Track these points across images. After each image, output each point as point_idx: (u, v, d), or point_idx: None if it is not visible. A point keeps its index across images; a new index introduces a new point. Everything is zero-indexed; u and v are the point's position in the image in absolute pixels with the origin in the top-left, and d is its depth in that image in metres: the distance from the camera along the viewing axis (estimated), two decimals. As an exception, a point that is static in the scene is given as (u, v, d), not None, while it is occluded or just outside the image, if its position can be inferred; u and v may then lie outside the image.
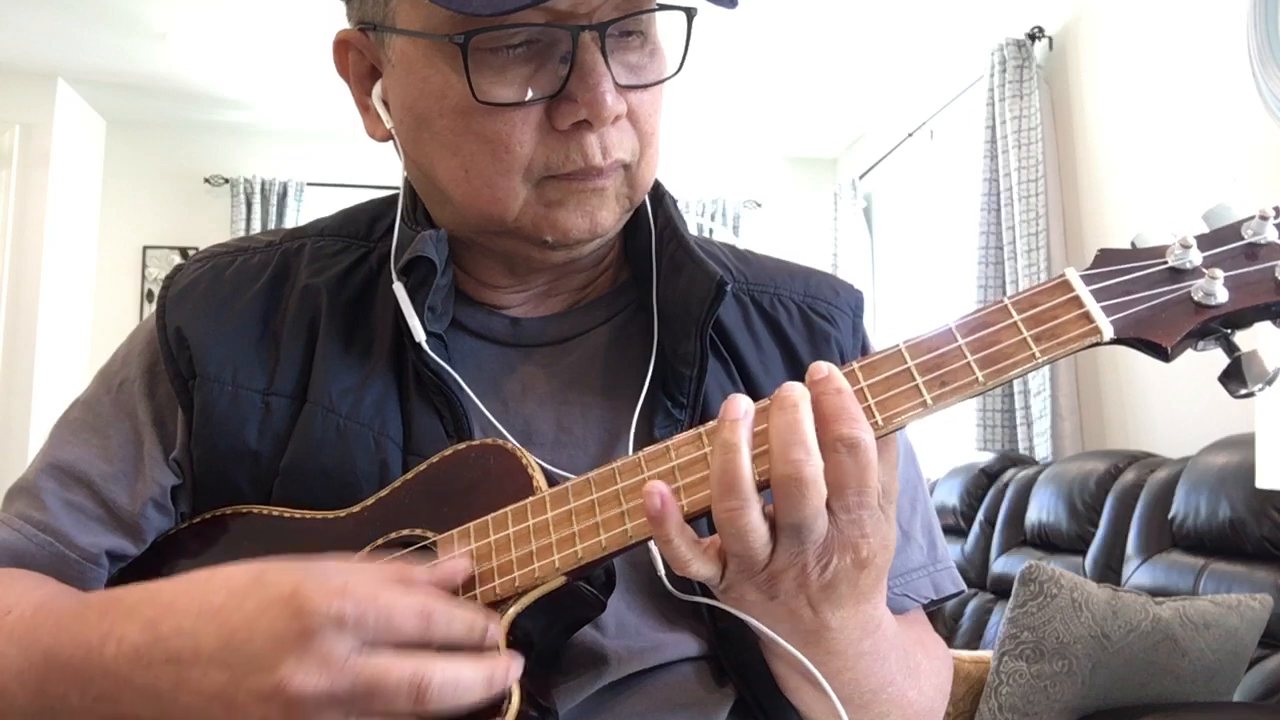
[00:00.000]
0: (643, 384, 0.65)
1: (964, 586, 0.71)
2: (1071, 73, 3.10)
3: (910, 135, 3.96)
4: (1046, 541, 2.55)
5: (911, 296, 4.19)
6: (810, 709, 0.57)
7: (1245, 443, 1.93)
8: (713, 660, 0.61)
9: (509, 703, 0.49)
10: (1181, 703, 1.61)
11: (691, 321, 0.64)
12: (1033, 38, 3.17)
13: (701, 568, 0.50)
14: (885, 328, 4.27)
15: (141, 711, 0.49)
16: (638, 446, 0.63)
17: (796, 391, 0.48)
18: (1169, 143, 2.64)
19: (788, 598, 0.51)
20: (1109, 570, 2.27)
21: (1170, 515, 2.13)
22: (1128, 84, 2.82)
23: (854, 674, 0.55)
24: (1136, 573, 2.17)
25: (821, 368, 0.49)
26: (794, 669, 0.55)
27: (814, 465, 0.47)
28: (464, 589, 0.53)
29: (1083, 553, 2.38)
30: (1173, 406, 2.57)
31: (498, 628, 0.50)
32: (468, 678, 0.47)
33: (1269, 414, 1.76)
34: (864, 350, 0.73)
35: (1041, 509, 2.56)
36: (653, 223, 0.70)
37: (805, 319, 0.71)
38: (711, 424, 0.52)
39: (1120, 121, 2.86)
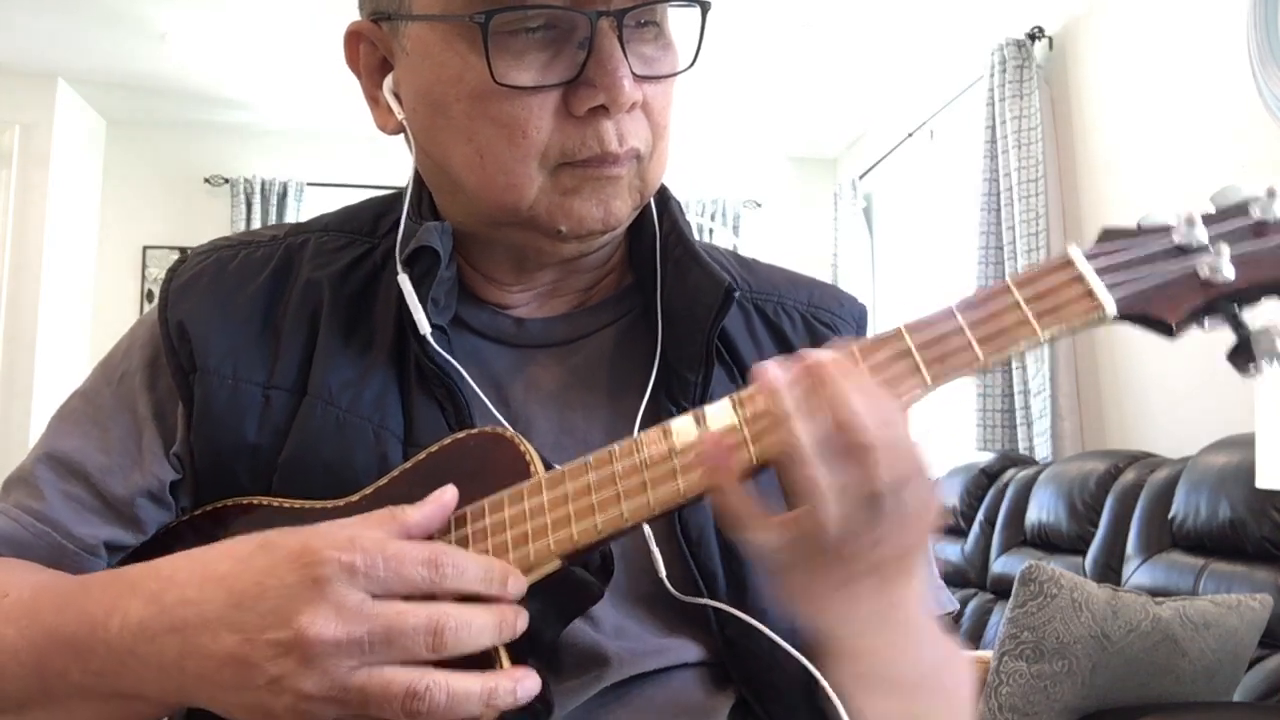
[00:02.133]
0: (647, 387, 0.65)
1: (956, 605, 0.71)
2: (1071, 73, 3.10)
3: (910, 135, 3.96)
4: (1046, 541, 2.55)
5: (911, 296, 4.19)
6: (877, 710, 0.55)
7: (1245, 443, 1.93)
8: (714, 666, 0.61)
9: (499, 667, 0.48)
10: (1181, 703, 1.61)
11: (698, 328, 0.64)
12: (1033, 38, 3.18)
13: (762, 530, 0.48)
14: (885, 327, 4.26)
15: (145, 685, 0.49)
16: None
17: (830, 366, 0.48)
18: (1169, 143, 2.64)
19: (857, 573, 0.49)
20: (1109, 570, 2.27)
21: (1170, 515, 2.13)
22: (1128, 84, 2.83)
23: (919, 650, 0.54)
24: (1136, 573, 2.17)
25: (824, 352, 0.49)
26: (872, 670, 0.53)
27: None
28: None
29: (1083, 553, 2.38)
30: (1173, 406, 2.57)
31: (519, 576, 0.50)
32: (480, 622, 0.47)
33: (1269, 414, 1.76)
34: None
35: (1041, 509, 2.56)
36: (658, 226, 0.70)
37: (809, 327, 0.71)
38: (709, 406, 0.52)
39: (1120, 121, 2.86)
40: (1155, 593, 1.85)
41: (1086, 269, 0.46)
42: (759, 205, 4.76)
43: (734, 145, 4.61)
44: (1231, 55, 2.36)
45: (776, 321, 0.70)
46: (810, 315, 0.71)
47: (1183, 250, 0.45)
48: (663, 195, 0.71)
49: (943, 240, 3.86)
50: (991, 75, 3.24)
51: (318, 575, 0.46)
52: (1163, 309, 0.44)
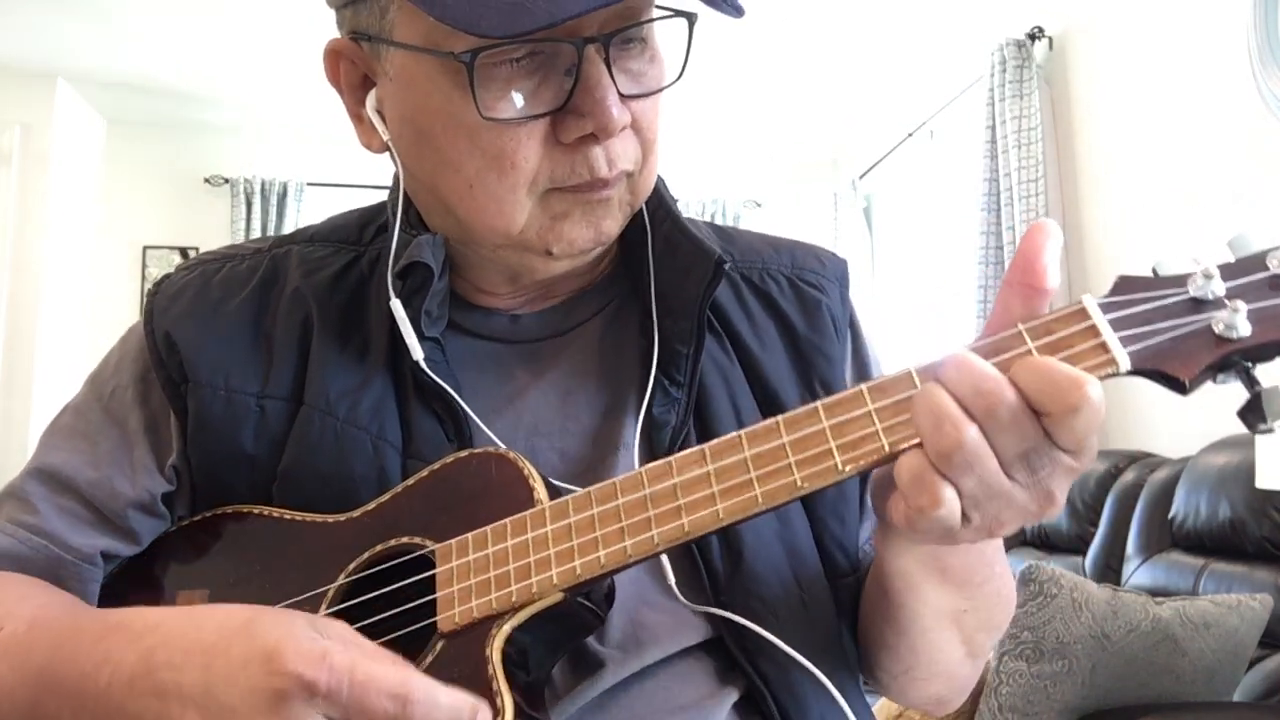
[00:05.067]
0: (640, 365, 0.65)
1: None
2: (1071, 73, 3.10)
3: (910, 135, 3.95)
4: (1046, 541, 2.56)
5: (911, 296, 4.19)
6: (929, 601, 0.58)
7: (1245, 443, 1.94)
8: (715, 649, 0.61)
9: (497, 692, 0.48)
10: (1181, 703, 1.62)
11: (690, 300, 0.65)
12: (1033, 38, 3.18)
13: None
14: (885, 327, 4.27)
15: None
16: (641, 427, 0.63)
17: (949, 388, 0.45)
18: (1169, 143, 2.64)
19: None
20: (1109, 570, 2.28)
21: (1170, 515, 2.14)
22: (1128, 84, 2.83)
23: (981, 550, 0.57)
24: (1136, 573, 2.18)
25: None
26: (924, 564, 0.56)
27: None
28: (459, 600, 0.53)
29: (1083, 553, 2.39)
30: (1173, 406, 2.58)
31: (488, 712, 0.47)
32: None
33: (1269, 416, 1.77)
34: (853, 320, 0.73)
35: (1042, 509, 2.56)
36: (644, 205, 0.70)
37: (796, 289, 0.71)
38: (715, 442, 0.51)
39: (1120, 121, 2.86)
40: (1155, 593, 1.86)
41: (1101, 321, 0.45)
42: (759, 205, 4.75)
43: (734, 145, 4.60)
44: (1231, 55, 2.37)
45: (764, 287, 0.71)
46: (796, 278, 0.72)
47: (1198, 303, 0.44)
48: None
49: (943, 240, 3.86)
50: (991, 75, 3.24)
51: (278, 689, 0.44)
52: (1176, 366, 0.44)
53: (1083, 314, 0.46)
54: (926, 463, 0.45)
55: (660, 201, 0.70)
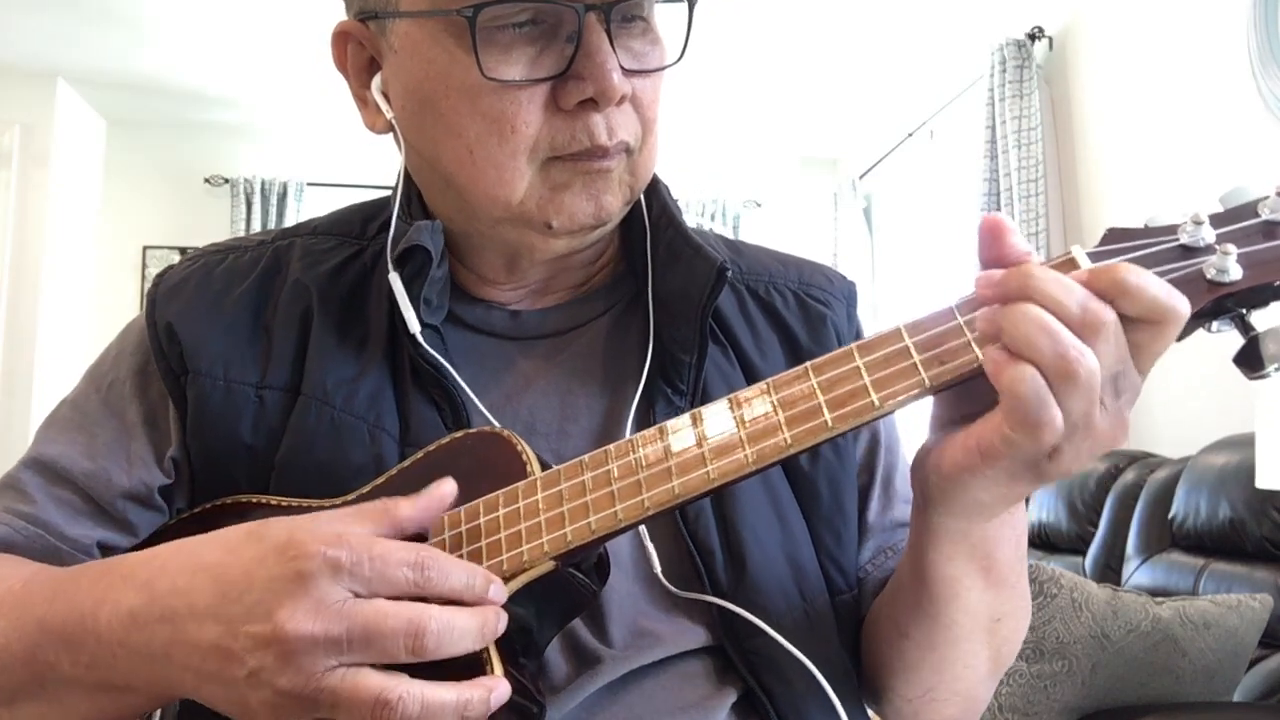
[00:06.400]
0: (642, 371, 0.65)
1: None
2: (1071, 73, 3.11)
3: (910, 135, 3.96)
4: (1046, 541, 2.55)
5: (911, 296, 4.19)
6: (969, 609, 0.58)
7: (1245, 443, 1.93)
8: (716, 653, 0.61)
9: (489, 669, 0.48)
10: (1181, 703, 1.61)
11: (692, 308, 0.64)
12: (1033, 38, 3.18)
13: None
14: (884, 328, 4.26)
15: (134, 676, 0.49)
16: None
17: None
18: (1169, 143, 2.64)
19: (1038, 480, 0.48)
20: (1109, 570, 2.27)
21: (1170, 515, 2.13)
22: (1128, 84, 2.83)
23: (1019, 548, 0.58)
24: (1136, 573, 2.17)
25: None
26: (972, 562, 0.56)
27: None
28: None
29: (1083, 553, 2.38)
30: (1173, 406, 2.57)
31: (501, 585, 0.49)
32: (462, 625, 0.46)
33: (1269, 414, 1.76)
34: (859, 338, 0.72)
35: (1041, 509, 2.56)
36: (646, 210, 0.70)
37: (801, 303, 0.71)
38: (705, 407, 0.51)
39: (1120, 121, 2.86)
40: (1155, 593, 1.85)
41: (1089, 268, 0.45)
42: (759, 205, 4.75)
43: (734, 145, 4.61)
44: (1231, 55, 2.37)
45: (769, 300, 0.71)
46: (802, 292, 0.72)
47: (1189, 250, 0.44)
48: (651, 181, 0.70)
49: (943, 240, 3.86)
50: (991, 75, 3.24)
51: (302, 570, 0.45)
52: None
53: (1071, 263, 0.46)
54: (1043, 382, 0.43)
55: (663, 208, 0.70)
